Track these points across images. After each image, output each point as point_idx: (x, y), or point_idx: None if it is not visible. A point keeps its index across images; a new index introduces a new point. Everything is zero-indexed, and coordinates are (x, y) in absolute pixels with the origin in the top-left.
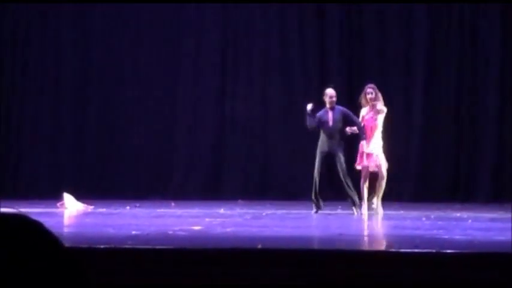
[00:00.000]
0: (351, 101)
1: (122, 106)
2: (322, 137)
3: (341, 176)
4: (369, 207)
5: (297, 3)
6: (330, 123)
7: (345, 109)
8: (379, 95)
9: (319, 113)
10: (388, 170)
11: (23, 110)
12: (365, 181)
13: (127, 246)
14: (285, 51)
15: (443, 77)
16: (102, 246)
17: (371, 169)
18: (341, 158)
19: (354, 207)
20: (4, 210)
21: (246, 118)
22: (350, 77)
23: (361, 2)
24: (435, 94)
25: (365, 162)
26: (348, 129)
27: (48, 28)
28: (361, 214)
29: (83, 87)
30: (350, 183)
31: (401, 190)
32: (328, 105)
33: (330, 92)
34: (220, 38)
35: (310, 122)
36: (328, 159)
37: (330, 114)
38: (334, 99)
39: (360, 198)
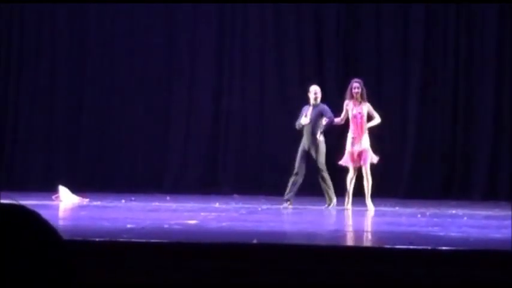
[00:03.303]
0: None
1: (117, 99)
2: (303, 134)
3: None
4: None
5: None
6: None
7: (323, 106)
8: (364, 90)
9: (304, 107)
10: (383, 166)
11: (18, 102)
12: (353, 177)
13: (122, 240)
14: (281, 48)
15: (439, 75)
16: (97, 240)
17: (357, 165)
18: (316, 154)
19: (328, 202)
20: (2, 201)
21: (242, 113)
22: (346, 74)
23: (357, 1)
24: (431, 91)
25: (351, 160)
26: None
27: (43, 25)
28: (347, 209)
29: (78, 81)
30: (326, 178)
31: (396, 187)
32: (312, 101)
33: (312, 88)
34: (217, 33)
35: (297, 124)
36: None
37: (310, 111)
38: (318, 95)
39: (339, 194)
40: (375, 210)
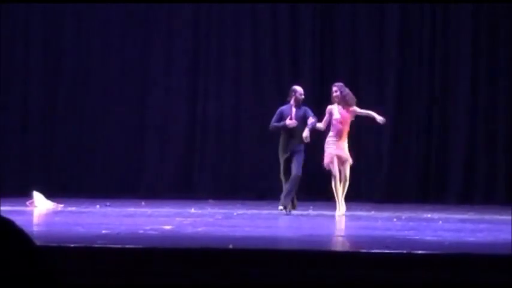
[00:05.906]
0: (322, 100)
1: (92, 105)
2: (284, 137)
3: (292, 176)
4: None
5: (269, 3)
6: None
7: (305, 107)
8: (346, 94)
9: (282, 108)
10: (359, 171)
11: None
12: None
13: (97, 246)
14: (256, 52)
15: (414, 78)
16: (71, 245)
17: (339, 168)
18: (299, 158)
19: (288, 208)
20: None
21: (217, 118)
22: (322, 77)
23: (333, 2)
24: (406, 95)
25: (336, 162)
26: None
27: (17, 23)
28: (339, 216)
29: (52, 85)
30: (294, 187)
31: (372, 191)
32: (294, 103)
33: (300, 89)
34: (192, 37)
35: (275, 126)
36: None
37: (294, 112)
38: (303, 97)
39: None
40: (350, 215)
